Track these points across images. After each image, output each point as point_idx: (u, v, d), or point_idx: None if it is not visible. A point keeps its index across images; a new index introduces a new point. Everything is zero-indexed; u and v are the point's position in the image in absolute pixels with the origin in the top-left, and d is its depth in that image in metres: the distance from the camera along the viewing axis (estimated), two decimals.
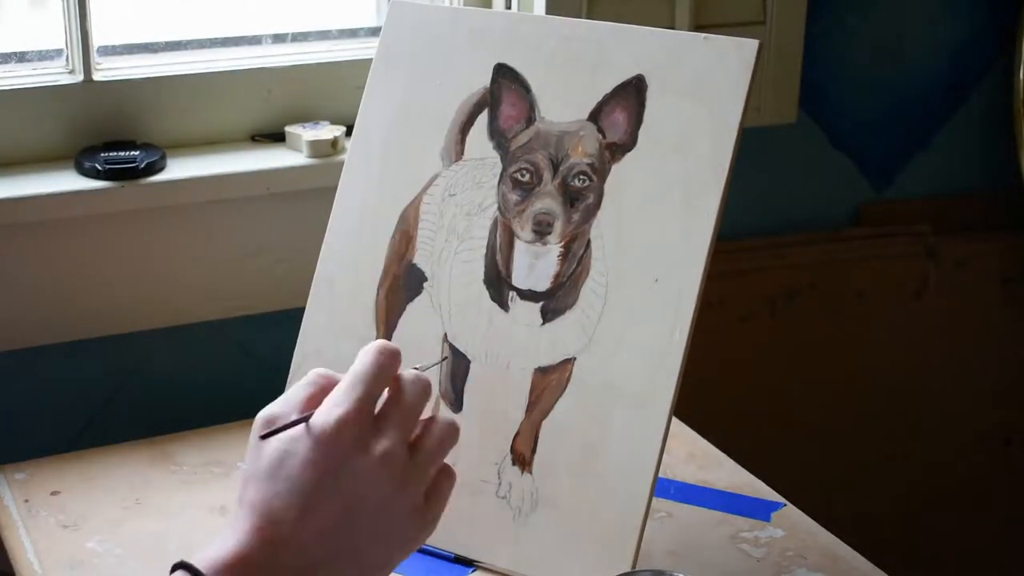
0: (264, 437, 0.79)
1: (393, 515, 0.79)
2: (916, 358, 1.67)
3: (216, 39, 1.31)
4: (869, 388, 1.65)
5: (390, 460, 0.79)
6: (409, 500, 0.80)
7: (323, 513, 0.77)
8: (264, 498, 0.77)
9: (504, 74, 1.00)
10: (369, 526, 0.78)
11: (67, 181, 1.18)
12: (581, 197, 0.97)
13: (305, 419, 0.79)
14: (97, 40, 1.22)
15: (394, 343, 0.84)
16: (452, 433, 0.83)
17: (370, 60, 1.05)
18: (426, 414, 0.83)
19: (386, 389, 0.82)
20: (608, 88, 0.97)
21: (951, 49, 1.61)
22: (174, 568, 0.76)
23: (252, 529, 0.77)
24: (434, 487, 0.82)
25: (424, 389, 0.83)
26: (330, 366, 1.03)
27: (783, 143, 1.54)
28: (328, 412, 0.79)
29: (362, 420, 0.79)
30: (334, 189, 1.07)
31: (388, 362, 0.82)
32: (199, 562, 0.75)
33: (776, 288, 1.57)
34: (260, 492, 0.78)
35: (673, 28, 1.37)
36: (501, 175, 1.00)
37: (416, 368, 0.85)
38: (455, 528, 0.97)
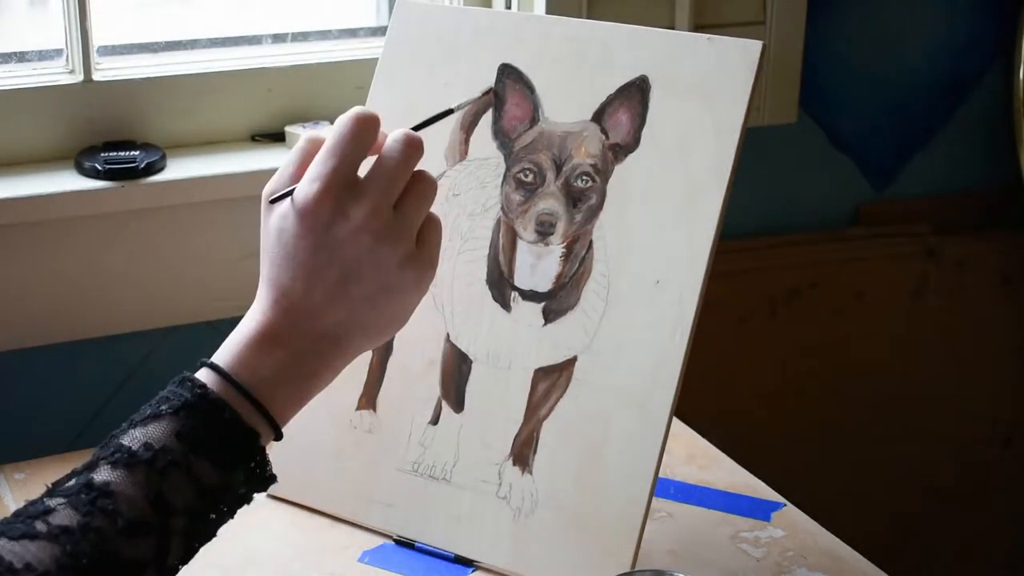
0: (272, 202, 0.83)
1: (388, 267, 0.82)
2: (916, 358, 1.67)
3: (216, 39, 1.31)
4: (869, 388, 1.65)
5: (372, 220, 0.81)
6: (399, 250, 0.83)
7: (324, 279, 0.81)
8: (275, 273, 0.82)
9: (509, 74, 1.00)
10: (370, 282, 0.82)
11: (67, 181, 1.18)
12: (584, 198, 0.97)
13: (292, 192, 0.83)
14: (97, 40, 1.22)
15: (372, 110, 0.85)
16: (432, 187, 0.86)
17: (370, 60, 1.05)
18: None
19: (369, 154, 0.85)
20: (612, 89, 0.97)
21: (951, 49, 1.61)
22: (199, 367, 0.80)
23: (270, 301, 0.82)
24: (422, 234, 0.85)
25: (410, 148, 0.85)
26: None
27: (783, 143, 1.54)
28: (307, 187, 0.82)
29: (338, 190, 0.81)
30: None
31: (363, 128, 0.84)
32: (226, 346, 0.81)
33: (776, 288, 1.57)
34: (270, 267, 0.83)
35: (673, 28, 1.37)
36: (504, 175, 1.00)
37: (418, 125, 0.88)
38: (455, 528, 0.98)
